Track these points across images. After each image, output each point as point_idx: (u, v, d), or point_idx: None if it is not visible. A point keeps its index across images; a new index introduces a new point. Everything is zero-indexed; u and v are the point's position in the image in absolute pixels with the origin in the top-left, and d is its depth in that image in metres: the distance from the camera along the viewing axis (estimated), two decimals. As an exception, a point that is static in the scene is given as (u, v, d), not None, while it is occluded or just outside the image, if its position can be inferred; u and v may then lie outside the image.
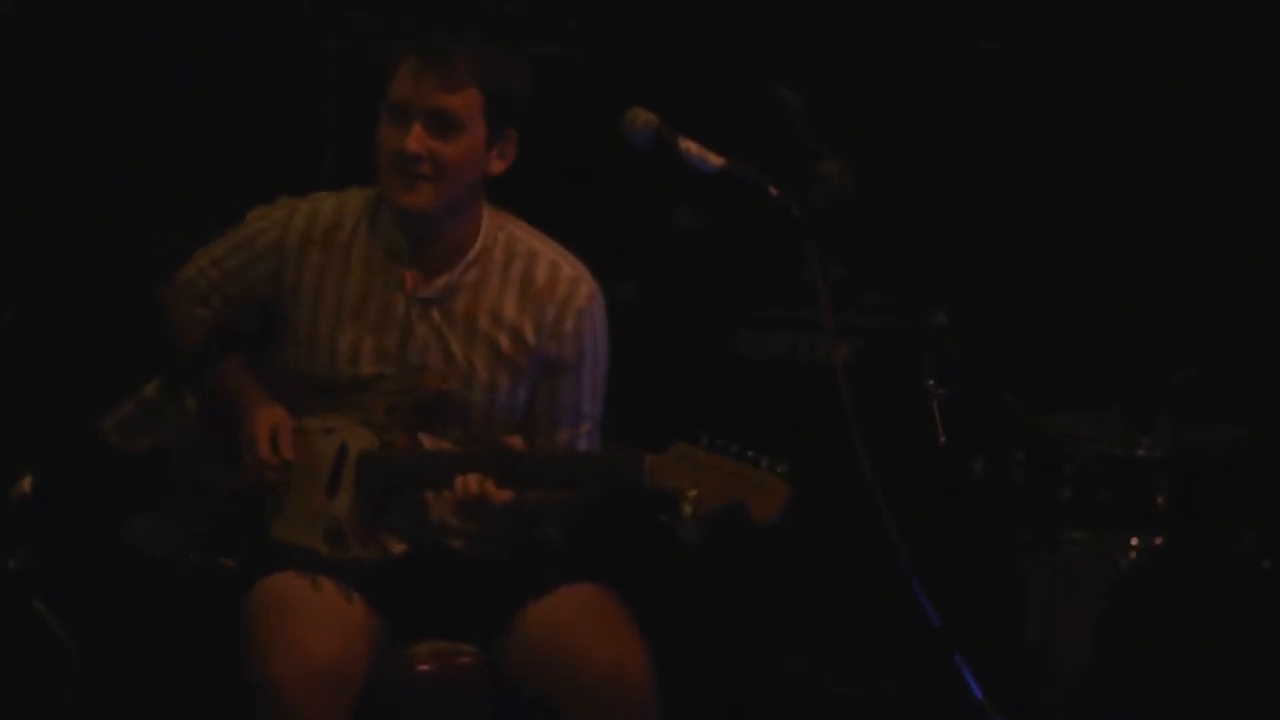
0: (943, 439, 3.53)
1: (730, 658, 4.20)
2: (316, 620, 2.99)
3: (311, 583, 3.05)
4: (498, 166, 3.18)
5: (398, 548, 3.15)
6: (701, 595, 4.15)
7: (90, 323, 4.15)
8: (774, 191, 3.09)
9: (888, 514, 2.97)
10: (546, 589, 3.11)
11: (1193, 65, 4.37)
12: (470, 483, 3.00)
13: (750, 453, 2.89)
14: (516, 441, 3.12)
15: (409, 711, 3.11)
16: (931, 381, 3.68)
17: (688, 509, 2.86)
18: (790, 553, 3.96)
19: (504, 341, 3.19)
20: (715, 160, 3.15)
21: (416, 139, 3.08)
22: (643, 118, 3.15)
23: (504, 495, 3.00)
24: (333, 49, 4.57)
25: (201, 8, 4.43)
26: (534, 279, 3.21)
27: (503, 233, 3.24)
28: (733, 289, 4.30)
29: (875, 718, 4.18)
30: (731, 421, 4.12)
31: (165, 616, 3.75)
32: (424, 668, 3.12)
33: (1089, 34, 4.46)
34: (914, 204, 4.38)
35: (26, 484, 3.58)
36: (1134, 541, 3.77)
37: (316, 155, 4.53)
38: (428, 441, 3.18)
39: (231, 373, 3.27)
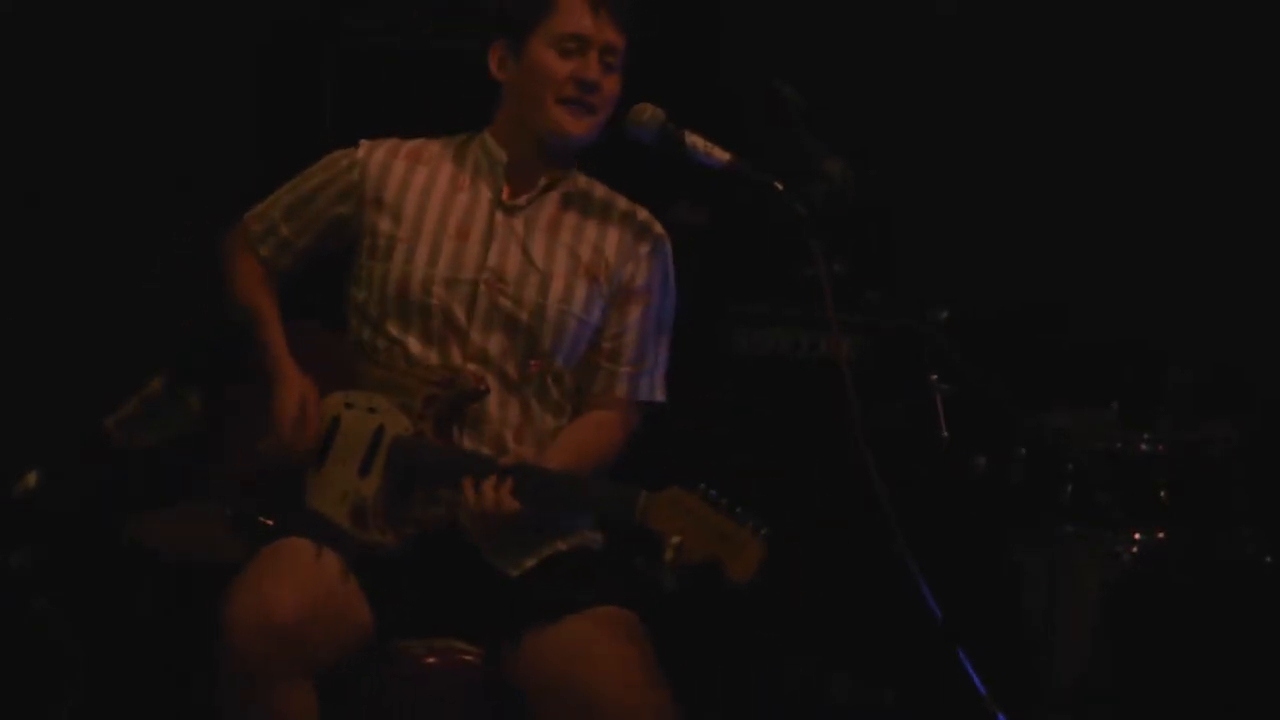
0: (945, 433, 3.54)
1: (735, 660, 4.19)
2: (287, 577, 2.96)
3: (314, 550, 3.04)
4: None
5: (415, 534, 3.15)
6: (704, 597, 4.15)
7: (92, 321, 4.15)
8: (779, 187, 3.11)
9: (889, 510, 2.97)
10: (568, 610, 3.05)
11: (1190, 66, 4.38)
12: (486, 490, 3.01)
13: (738, 509, 2.88)
14: (526, 452, 3.14)
15: (410, 703, 3.11)
16: (934, 376, 3.69)
17: (670, 554, 2.86)
18: (794, 551, 3.96)
19: (585, 252, 3.25)
20: (721, 155, 3.17)
21: (595, 69, 3.17)
22: (649, 113, 3.19)
23: (514, 506, 3.00)
24: (333, 49, 4.57)
25: (202, 8, 4.43)
26: (616, 206, 3.32)
27: (583, 176, 3.34)
28: (733, 285, 4.30)
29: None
30: (731, 419, 4.16)
31: (166, 614, 3.75)
32: (429, 660, 3.12)
33: (1088, 34, 4.47)
34: (915, 202, 4.39)
35: (32, 480, 3.58)
36: (1134, 538, 3.78)
37: (317, 155, 4.53)
38: (462, 438, 3.19)
39: (270, 332, 3.27)
